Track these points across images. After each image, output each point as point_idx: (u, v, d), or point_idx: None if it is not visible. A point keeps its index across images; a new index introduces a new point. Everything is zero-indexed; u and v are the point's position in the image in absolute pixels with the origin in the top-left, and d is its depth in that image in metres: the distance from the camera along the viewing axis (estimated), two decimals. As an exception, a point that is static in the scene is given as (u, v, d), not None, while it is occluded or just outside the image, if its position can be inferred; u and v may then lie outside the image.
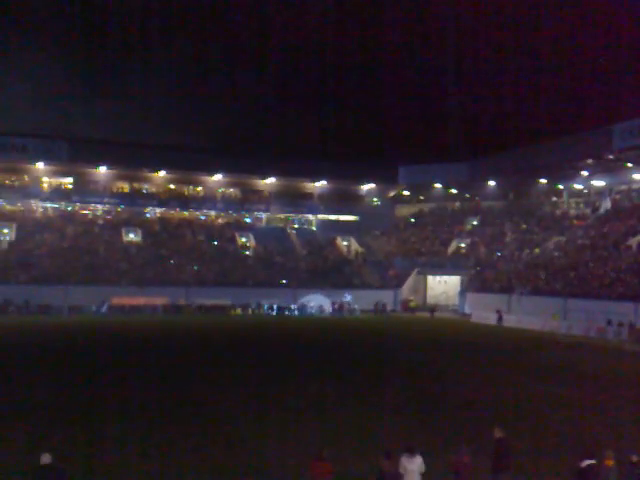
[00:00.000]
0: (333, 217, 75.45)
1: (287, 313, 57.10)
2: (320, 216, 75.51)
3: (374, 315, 58.41)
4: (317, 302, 58.94)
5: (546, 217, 67.05)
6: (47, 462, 10.71)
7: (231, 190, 74.00)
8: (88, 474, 13.37)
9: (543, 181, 68.59)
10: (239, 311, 56.45)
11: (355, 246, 71.48)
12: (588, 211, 64.53)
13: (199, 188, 72.67)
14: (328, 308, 58.70)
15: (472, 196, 76.12)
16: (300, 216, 75.83)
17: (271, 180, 72.66)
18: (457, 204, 77.06)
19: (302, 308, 58.20)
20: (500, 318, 50.58)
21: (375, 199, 78.06)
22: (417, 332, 45.27)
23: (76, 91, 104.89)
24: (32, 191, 65.79)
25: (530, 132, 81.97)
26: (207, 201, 72.27)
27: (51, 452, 10.90)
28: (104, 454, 14.83)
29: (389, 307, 61.11)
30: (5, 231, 61.00)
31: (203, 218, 72.64)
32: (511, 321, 50.19)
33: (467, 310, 58.32)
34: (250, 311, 56.80)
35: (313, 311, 58.25)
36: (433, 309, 59.64)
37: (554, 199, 69.97)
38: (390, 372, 27.24)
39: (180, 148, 70.32)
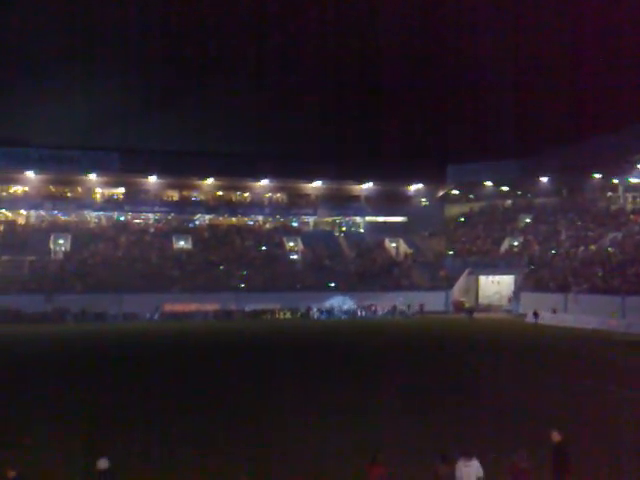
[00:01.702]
0: (381, 219, 74.84)
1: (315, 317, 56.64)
2: (368, 218, 75.03)
3: (393, 317, 56.53)
4: (339, 304, 58.36)
5: (601, 213, 64.94)
6: (104, 467, 10.67)
7: (278, 195, 74.27)
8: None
9: (597, 176, 66.45)
10: (288, 315, 56.51)
11: (404, 247, 70.71)
12: (646, 205, 62.25)
13: (246, 194, 73.21)
14: (351, 310, 58.14)
15: (524, 193, 74.42)
16: (347, 219, 75.52)
17: (318, 184, 72.60)
18: (509, 202, 75.45)
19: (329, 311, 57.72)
20: (536, 316, 49.68)
21: (423, 199, 77.08)
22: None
23: (126, 103, 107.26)
24: (85, 202, 67.54)
25: (582, 126, 79.79)
26: (254, 206, 72.69)
27: (109, 457, 10.86)
28: (162, 460, 14.82)
29: (429, 308, 58.95)
30: (61, 241, 62.69)
31: (251, 224, 73.07)
32: (568, 320, 48.75)
33: (522, 310, 56.87)
34: (299, 315, 56.78)
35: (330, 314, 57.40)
36: (471, 310, 56.91)
37: (609, 194, 67.60)
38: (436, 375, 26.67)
39: (227, 155, 70.95)
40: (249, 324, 51.17)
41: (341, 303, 58.54)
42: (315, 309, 57.34)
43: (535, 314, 50.05)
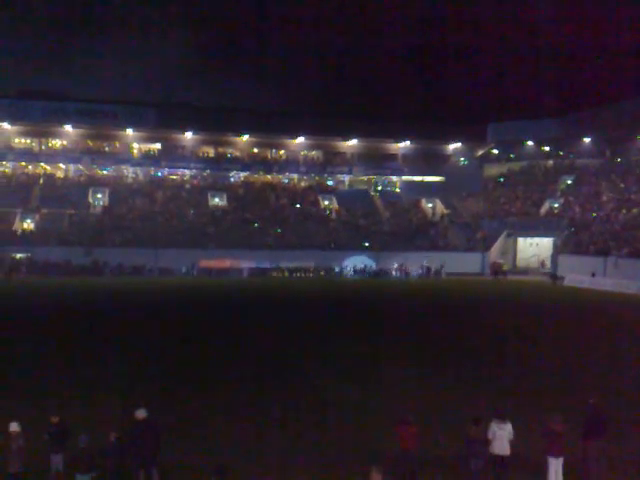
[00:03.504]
0: (418, 178, 73.75)
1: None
2: (404, 177, 74.00)
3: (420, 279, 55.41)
4: (358, 264, 57.89)
5: (646, 175, 62.80)
6: (142, 417, 10.75)
7: (313, 153, 73.60)
8: (182, 429, 13.45)
9: (643, 137, 64.20)
10: (321, 273, 56.47)
11: (440, 208, 69.73)
12: (694, 168, 59.94)
13: (282, 151, 72.75)
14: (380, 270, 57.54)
15: (566, 154, 72.32)
16: (383, 178, 74.59)
17: (354, 142, 71.67)
18: (550, 162, 73.46)
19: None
20: (555, 278, 50.89)
21: (462, 159, 75.55)
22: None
23: (164, 59, 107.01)
24: (123, 157, 68.03)
25: (627, 85, 76.77)
26: (290, 164, 72.28)
27: (146, 407, 10.92)
28: (200, 412, 14.95)
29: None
30: (99, 196, 63.46)
31: (286, 181, 72.80)
32: (607, 285, 47.79)
33: (560, 273, 55.81)
34: (331, 273, 56.70)
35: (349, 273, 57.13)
36: (497, 271, 56.12)
37: (655, 156, 65.33)
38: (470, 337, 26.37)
39: (263, 112, 70.39)
40: (282, 281, 51.40)
41: (359, 263, 58.14)
42: (348, 268, 57.26)
43: (554, 276, 50.83)
